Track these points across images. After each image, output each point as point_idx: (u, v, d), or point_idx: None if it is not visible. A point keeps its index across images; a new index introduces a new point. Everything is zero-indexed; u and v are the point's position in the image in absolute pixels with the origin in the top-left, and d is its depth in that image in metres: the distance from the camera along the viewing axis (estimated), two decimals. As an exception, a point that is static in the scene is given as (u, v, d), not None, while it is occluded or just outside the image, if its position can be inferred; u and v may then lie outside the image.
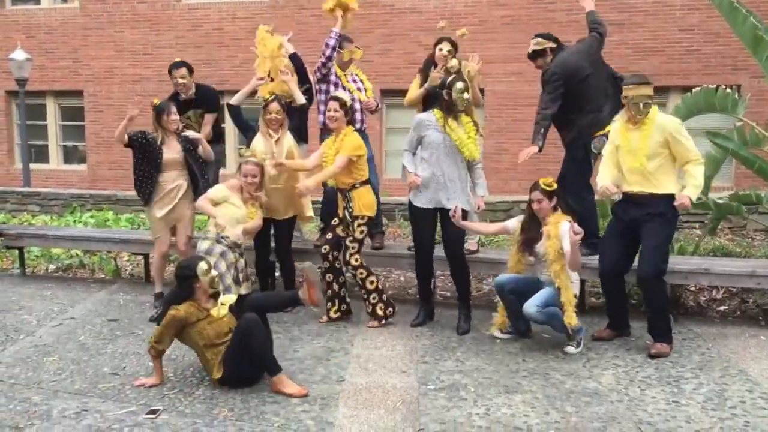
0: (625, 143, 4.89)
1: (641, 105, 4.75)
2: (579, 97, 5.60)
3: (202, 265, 4.40)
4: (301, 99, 5.92)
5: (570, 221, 4.82)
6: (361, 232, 5.50)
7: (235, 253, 5.51)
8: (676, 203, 4.71)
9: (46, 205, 11.05)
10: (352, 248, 5.45)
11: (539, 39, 5.83)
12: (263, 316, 4.33)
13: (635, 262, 4.97)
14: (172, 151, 5.76)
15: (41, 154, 14.53)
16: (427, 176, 5.27)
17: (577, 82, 5.58)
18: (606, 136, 5.31)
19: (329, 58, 5.97)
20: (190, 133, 5.95)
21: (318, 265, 5.61)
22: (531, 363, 4.72)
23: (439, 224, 5.41)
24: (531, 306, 4.84)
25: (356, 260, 5.45)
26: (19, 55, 12.66)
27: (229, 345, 4.25)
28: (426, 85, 5.88)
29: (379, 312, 5.52)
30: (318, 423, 3.78)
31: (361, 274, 5.46)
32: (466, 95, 5.21)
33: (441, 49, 5.87)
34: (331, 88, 6.02)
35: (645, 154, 4.78)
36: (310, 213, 6.08)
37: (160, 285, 5.99)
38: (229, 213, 5.50)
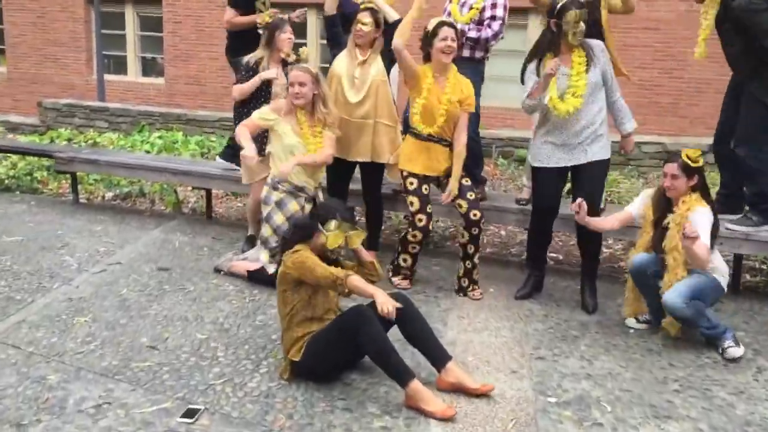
0: None
1: None
2: None
3: (332, 225, 3.38)
4: (393, 15, 4.74)
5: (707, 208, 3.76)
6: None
7: (299, 200, 4.44)
8: None
9: (114, 122, 10.33)
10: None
11: None
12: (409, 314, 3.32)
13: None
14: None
15: (119, 66, 13.83)
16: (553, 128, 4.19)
17: None
18: None
19: None
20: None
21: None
22: (681, 369, 3.60)
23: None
24: (675, 297, 3.68)
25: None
26: (95, -42, 11.82)
27: (325, 327, 3.31)
28: None
29: (475, 276, 4.52)
30: (403, 452, 2.82)
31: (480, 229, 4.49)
32: (581, 26, 4.00)
33: None
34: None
35: None
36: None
37: (253, 227, 5.06)
38: (278, 145, 4.42)
